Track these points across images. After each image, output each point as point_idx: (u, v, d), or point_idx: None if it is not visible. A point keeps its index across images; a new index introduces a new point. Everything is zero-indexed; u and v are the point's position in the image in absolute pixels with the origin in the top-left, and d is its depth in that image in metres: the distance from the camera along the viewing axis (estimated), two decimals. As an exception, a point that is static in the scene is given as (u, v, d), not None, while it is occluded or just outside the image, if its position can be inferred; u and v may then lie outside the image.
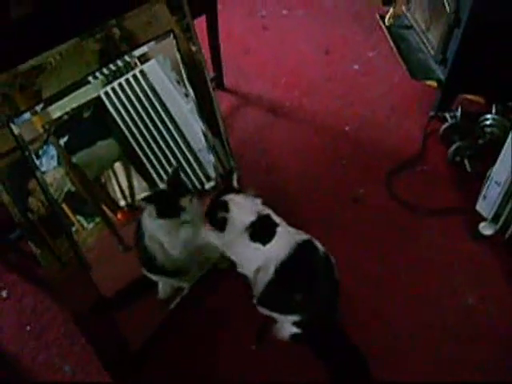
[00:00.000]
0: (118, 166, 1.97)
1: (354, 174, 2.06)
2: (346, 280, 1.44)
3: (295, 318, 1.41)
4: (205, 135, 1.89)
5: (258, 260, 1.37)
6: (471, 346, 1.53)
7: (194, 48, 1.71)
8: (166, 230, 1.49)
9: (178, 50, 1.68)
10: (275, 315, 1.46)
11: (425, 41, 2.30)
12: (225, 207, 1.39)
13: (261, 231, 1.35)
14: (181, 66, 1.72)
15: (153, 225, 1.51)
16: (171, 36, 1.70)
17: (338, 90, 2.49)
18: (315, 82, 2.56)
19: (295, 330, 1.44)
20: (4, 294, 1.32)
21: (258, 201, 1.44)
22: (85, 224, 1.86)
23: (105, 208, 1.90)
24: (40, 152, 1.96)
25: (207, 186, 2.04)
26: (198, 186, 2.02)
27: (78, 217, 1.85)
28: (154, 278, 1.66)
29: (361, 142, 2.20)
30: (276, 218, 1.42)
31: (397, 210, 1.90)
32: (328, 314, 1.46)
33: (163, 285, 1.67)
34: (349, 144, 2.19)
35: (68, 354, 1.30)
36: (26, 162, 1.70)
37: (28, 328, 1.32)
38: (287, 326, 1.45)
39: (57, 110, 1.83)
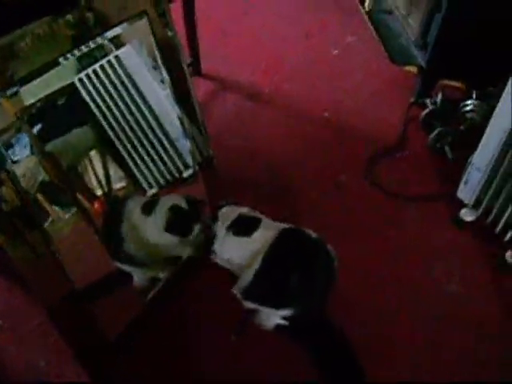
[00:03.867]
0: (94, 154, 1.93)
1: (335, 161, 2.08)
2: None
3: (286, 312, 1.34)
4: (181, 122, 1.83)
5: (246, 253, 1.33)
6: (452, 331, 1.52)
7: (169, 33, 1.65)
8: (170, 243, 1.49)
9: (153, 34, 1.62)
10: (264, 310, 1.40)
11: (405, 26, 2.30)
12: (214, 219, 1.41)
13: (243, 225, 1.31)
14: (156, 50, 1.66)
15: (154, 232, 1.48)
16: (145, 19, 1.63)
17: (318, 75, 2.50)
18: (295, 66, 2.55)
19: (281, 321, 1.39)
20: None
21: (245, 208, 1.41)
22: (61, 214, 1.81)
23: (81, 198, 1.87)
24: (13, 140, 1.94)
25: (185, 174, 2.01)
26: (176, 175, 1.99)
27: (55, 207, 1.82)
28: (126, 268, 1.64)
29: (341, 128, 2.21)
30: (259, 215, 1.39)
31: (378, 197, 1.91)
32: (320, 305, 1.41)
33: (138, 275, 1.65)
34: (329, 130, 2.21)
35: (43, 348, 1.25)
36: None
37: (0, 322, 1.28)
38: (273, 317, 1.40)
39: (30, 97, 1.77)
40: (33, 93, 1.84)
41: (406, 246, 1.78)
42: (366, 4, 2.52)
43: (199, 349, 1.49)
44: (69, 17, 1.54)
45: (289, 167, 2.03)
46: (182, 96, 1.82)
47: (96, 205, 1.83)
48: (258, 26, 2.84)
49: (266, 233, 1.34)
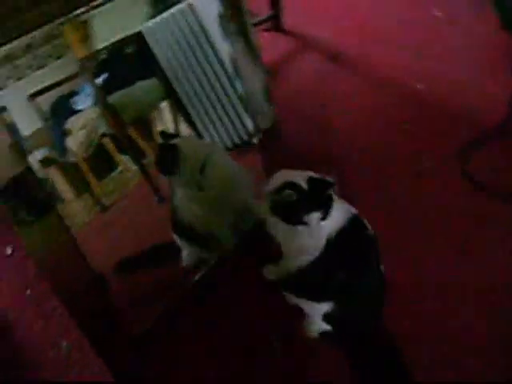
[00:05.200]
0: (164, 106, 1.86)
1: (419, 143, 1.77)
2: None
3: (327, 306, 1.21)
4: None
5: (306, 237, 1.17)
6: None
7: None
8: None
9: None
10: (304, 303, 1.27)
11: None
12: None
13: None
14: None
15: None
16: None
17: (413, 39, 2.19)
18: (388, 27, 2.26)
19: (326, 326, 1.26)
20: (9, 250, 1.20)
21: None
22: (130, 164, 1.79)
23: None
24: (77, 88, 1.89)
25: (255, 139, 1.83)
26: (245, 138, 1.86)
27: (124, 156, 1.79)
28: (180, 242, 1.54)
29: (433, 103, 1.89)
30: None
31: (468, 192, 1.55)
32: (368, 312, 1.25)
33: (188, 252, 1.55)
34: (417, 105, 1.90)
35: (66, 328, 1.16)
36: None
37: (28, 292, 1.20)
38: (317, 321, 1.26)
39: (98, 43, 1.72)
40: (101, 38, 1.79)
41: (497, 258, 1.43)
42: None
43: (229, 356, 1.33)
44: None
45: (365, 146, 1.77)
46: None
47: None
48: None
49: (334, 216, 1.16)
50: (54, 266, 1.12)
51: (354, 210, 1.21)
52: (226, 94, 1.79)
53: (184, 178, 1.37)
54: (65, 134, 1.76)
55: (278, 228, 1.19)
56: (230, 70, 1.77)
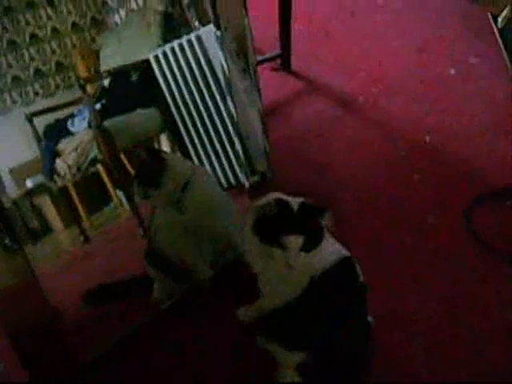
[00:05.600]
0: (164, 138, 1.80)
1: (426, 195, 1.68)
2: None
3: (300, 357, 1.07)
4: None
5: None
6: None
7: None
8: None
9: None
10: (276, 349, 1.12)
11: None
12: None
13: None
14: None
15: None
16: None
17: (425, 93, 2.14)
18: (399, 80, 2.22)
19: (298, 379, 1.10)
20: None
21: None
22: (123, 201, 1.74)
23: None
24: (75, 111, 1.83)
25: (251, 180, 1.75)
26: (241, 179, 1.79)
27: (119, 191, 1.74)
28: (152, 273, 1.45)
29: (442, 157, 1.82)
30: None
31: (473, 250, 1.47)
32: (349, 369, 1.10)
33: (160, 285, 1.46)
34: (426, 158, 1.82)
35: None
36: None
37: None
38: (289, 372, 1.11)
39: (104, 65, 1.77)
40: (107, 62, 1.82)
41: (500, 323, 1.33)
42: (499, 21, 2.13)
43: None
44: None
45: (364, 194, 1.68)
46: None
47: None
48: (365, 30, 2.52)
49: (323, 252, 1.06)
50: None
51: (346, 253, 1.10)
52: (226, 132, 1.73)
53: (165, 194, 1.30)
54: (56, 155, 1.71)
55: (255, 253, 1.09)
56: (232, 106, 1.72)
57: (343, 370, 1.09)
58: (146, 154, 1.30)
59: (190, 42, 1.71)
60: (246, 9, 1.49)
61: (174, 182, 1.29)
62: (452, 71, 2.23)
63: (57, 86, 1.71)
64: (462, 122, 1.96)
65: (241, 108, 1.67)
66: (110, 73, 1.78)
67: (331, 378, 1.10)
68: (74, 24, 1.74)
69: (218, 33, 1.54)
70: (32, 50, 1.66)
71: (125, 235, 1.72)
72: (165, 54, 1.74)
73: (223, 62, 1.61)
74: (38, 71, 1.68)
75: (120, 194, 1.74)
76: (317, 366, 1.07)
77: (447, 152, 1.83)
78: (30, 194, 1.64)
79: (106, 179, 1.72)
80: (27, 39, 1.64)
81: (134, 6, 2.02)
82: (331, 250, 1.09)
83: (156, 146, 1.80)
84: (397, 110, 2.04)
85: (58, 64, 1.71)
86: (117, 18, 2.03)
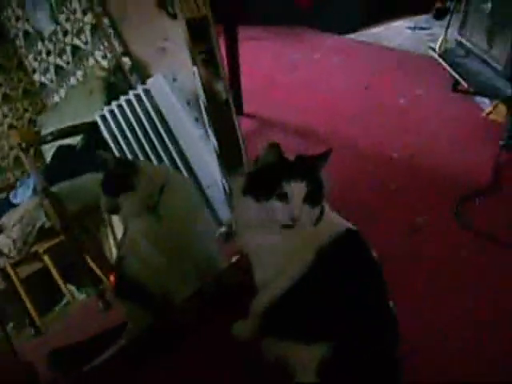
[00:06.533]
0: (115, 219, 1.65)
1: (408, 201, 1.67)
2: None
3: (322, 350, 0.87)
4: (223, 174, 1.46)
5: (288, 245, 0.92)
6: None
7: (218, 86, 1.29)
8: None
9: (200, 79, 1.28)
10: (291, 349, 0.92)
11: (488, 60, 2.01)
12: None
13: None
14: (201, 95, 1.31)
15: None
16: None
17: (382, 120, 2.18)
18: (354, 113, 2.26)
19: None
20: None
21: None
22: (76, 294, 1.67)
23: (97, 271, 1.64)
24: (17, 184, 1.77)
25: (218, 232, 1.59)
26: None
27: (71, 286, 1.67)
28: (124, 305, 1.30)
29: (414, 169, 1.81)
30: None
31: (471, 243, 1.44)
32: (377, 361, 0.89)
33: (133, 317, 1.30)
34: (398, 171, 1.81)
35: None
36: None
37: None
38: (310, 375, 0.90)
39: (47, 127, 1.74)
40: (51, 125, 1.78)
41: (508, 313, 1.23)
42: (437, 47, 2.23)
43: None
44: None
45: (352, 207, 1.55)
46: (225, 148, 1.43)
47: (112, 278, 1.52)
48: (309, 79, 2.62)
49: (321, 226, 0.92)
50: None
51: (353, 227, 0.97)
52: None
53: (138, 198, 1.16)
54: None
55: (250, 225, 0.94)
56: (189, 154, 1.62)
57: (370, 366, 0.87)
58: (113, 161, 1.17)
59: (137, 96, 1.62)
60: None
61: (148, 185, 1.17)
62: (401, 100, 2.29)
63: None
64: (425, 138, 2.00)
65: (198, 156, 1.59)
66: (53, 134, 1.66)
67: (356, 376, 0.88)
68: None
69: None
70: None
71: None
72: (112, 113, 1.65)
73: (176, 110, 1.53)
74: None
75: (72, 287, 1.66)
76: (340, 363, 0.87)
77: (417, 164, 1.83)
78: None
79: (53, 271, 1.61)
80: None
81: (73, 82, 1.95)
82: (336, 221, 0.96)
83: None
84: (359, 134, 2.05)
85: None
86: (56, 98, 1.95)
